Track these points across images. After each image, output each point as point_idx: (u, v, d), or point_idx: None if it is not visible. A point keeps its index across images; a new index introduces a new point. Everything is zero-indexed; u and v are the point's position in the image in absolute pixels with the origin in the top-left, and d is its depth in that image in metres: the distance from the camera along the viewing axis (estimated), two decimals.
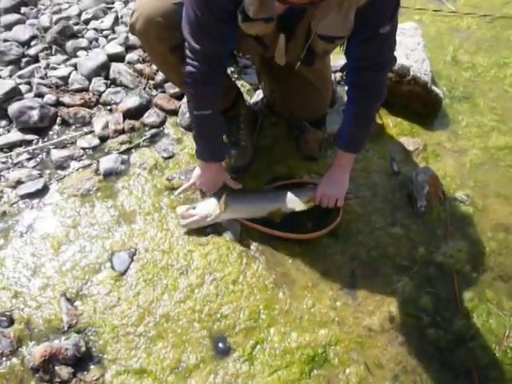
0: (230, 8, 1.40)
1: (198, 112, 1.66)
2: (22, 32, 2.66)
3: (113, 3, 3.01)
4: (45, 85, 2.37)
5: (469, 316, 1.63)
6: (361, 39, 1.49)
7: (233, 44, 1.57)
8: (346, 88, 1.72)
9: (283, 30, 1.55)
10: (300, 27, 1.54)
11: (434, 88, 2.28)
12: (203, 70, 1.54)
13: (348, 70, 1.67)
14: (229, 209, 1.80)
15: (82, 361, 1.49)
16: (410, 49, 2.33)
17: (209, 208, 1.81)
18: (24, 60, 2.52)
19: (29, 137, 2.17)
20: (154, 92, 2.43)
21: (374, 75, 1.60)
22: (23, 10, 2.87)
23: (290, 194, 1.84)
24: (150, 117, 2.28)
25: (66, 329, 1.56)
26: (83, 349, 1.50)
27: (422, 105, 2.32)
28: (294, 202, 1.83)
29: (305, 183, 1.97)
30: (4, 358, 1.49)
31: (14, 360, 1.49)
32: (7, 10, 2.83)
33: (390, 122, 2.30)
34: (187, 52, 1.53)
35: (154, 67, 2.48)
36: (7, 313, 1.59)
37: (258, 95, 2.34)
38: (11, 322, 1.57)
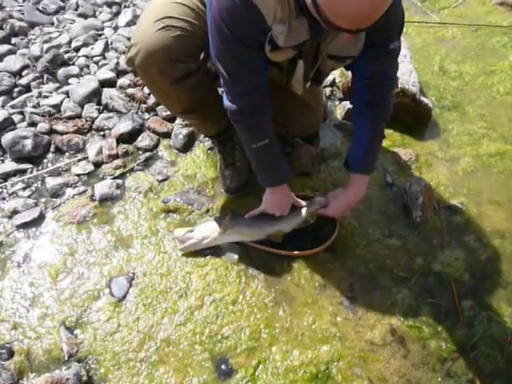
0: (260, 38, 1.40)
1: (255, 145, 1.61)
2: (13, 62, 2.68)
3: (102, 30, 3.05)
4: (37, 113, 2.39)
5: (470, 325, 1.64)
6: (371, 56, 1.49)
7: (268, 71, 1.54)
8: (354, 106, 1.71)
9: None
10: (308, 48, 1.54)
11: (422, 99, 2.31)
12: (248, 103, 1.53)
13: (358, 88, 1.65)
14: (229, 231, 1.80)
15: None
16: None
17: (207, 231, 1.81)
18: (16, 90, 2.54)
19: (23, 166, 2.18)
20: (147, 115, 2.45)
21: (386, 91, 1.62)
22: (14, 40, 2.90)
23: (289, 215, 1.84)
24: (144, 140, 2.29)
25: (66, 358, 1.55)
26: (85, 378, 1.49)
27: (412, 116, 2.35)
28: (293, 221, 1.84)
29: (306, 196, 1.97)
30: None
31: None
32: None
33: None
34: (226, 89, 1.52)
35: (146, 91, 2.51)
36: (7, 345, 1.58)
37: None
38: (11, 354, 1.56)
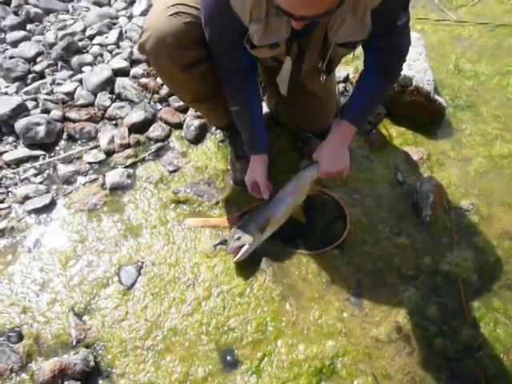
0: (238, 38, 1.46)
1: (230, 107, 1.74)
2: (28, 49, 2.70)
3: (117, 18, 3.05)
4: (51, 101, 2.41)
5: (476, 325, 1.63)
6: (380, 34, 1.48)
7: (252, 59, 1.61)
8: (365, 67, 1.70)
9: (298, 44, 1.56)
10: (314, 37, 1.55)
11: (436, 97, 2.29)
12: (224, 77, 1.66)
13: (370, 57, 1.66)
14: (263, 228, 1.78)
15: (90, 375, 1.50)
16: (413, 59, 2.34)
17: (249, 233, 1.75)
18: (30, 76, 2.56)
19: (35, 152, 2.20)
20: (159, 106, 2.46)
21: (397, 58, 1.64)
22: (29, 26, 2.92)
23: (294, 186, 1.81)
24: (155, 131, 2.30)
25: (74, 344, 1.57)
26: (92, 363, 1.51)
27: (426, 114, 2.33)
28: (303, 190, 1.82)
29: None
30: (13, 374, 1.50)
31: (24, 375, 1.50)
32: (13, 27, 2.88)
33: (394, 132, 2.31)
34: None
35: (159, 81, 2.51)
36: (16, 328, 1.61)
37: (264, 107, 2.35)
38: (20, 337, 1.59)
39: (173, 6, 1.51)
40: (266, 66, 1.81)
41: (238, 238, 1.74)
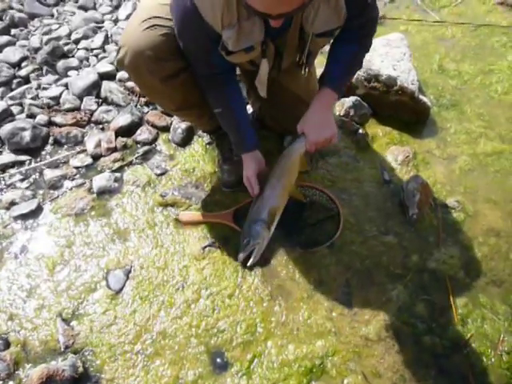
0: (212, 45, 1.48)
1: (214, 109, 1.72)
2: (13, 53, 2.68)
3: (103, 22, 3.04)
4: (36, 105, 2.39)
5: (464, 322, 1.65)
6: (354, 15, 1.49)
7: (229, 64, 1.60)
8: (338, 37, 1.66)
9: (274, 45, 1.57)
10: (290, 35, 1.56)
11: (421, 97, 2.32)
12: (203, 83, 1.66)
13: (345, 30, 1.62)
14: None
15: (79, 381, 1.49)
16: (397, 59, 2.36)
17: (260, 234, 1.67)
18: (15, 81, 2.54)
19: (21, 158, 2.19)
20: (146, 109, 2.45)
21: (371, 29, 1.65)
22: (13, 31, 2.89)
23: (284, 166, 1.76)
24: (142, 134, 2.29)
25: (62, 350, 1.56)
26: (80, 369, 1.50)
27: (411, 114, 2.35)
28: (294, 168, 1.77)
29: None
30: (1, 382, 1.48)
31: (11, 383, 1.48)
32: None
33: (380, 132, 2.33)
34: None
35: None
36: (3, 335, 1.59)
37: (249, 109, 2.36)
38: (7, 344, 1.57)
39: (147, 19, 1.51)
40: (245, 69, 1.82)
41: (248, 243, 1.65)
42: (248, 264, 1.65)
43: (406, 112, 2.34)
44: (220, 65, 1.58)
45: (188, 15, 1.40)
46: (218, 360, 1.55)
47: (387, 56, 2.38)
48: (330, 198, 1.96)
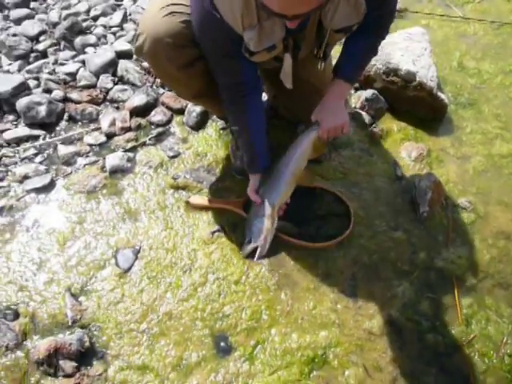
0: (234, 48, 1.46)
1: (231, 126, 1.74)
2: (31, 27, 2.68)
3: (122, 0, 3.02)
4: (53, 80, 2.39)
5: (468, 322, 1.65)
6: (372, 8, 1.48)
7: (253, 70, 1.61)
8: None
9: (293, 39, 1.55)
10: (308, 30, 1.55)
11: (439, 94, 2.29)
12: (226, 95, 1.66)
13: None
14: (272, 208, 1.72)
15: (85, 356, 1.52)
16: (417, 54, 2.34)
17: (268, 217, 1.71)
18: (33, 55, 2.55)
19: (36, 132, 2.20)
20: (161, 90, 2.45)
21: (388, 21, 1.66)
22: (33, 4, 2.89)
23: (295, 153, 1.77)
24: (157, 115, 2.29)
25: (70, 324, 1.58)
26: (87, 344, 1.52)
27: (428, 110, 2.33)
28: (305, 157, 1.79)
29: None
30: (9, 351, 1.51)
31: (19, 353, 1.52)
32: (17, 5, 2.86)
33: (395, 127, 2.31)
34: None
35: None
36: (13, 306, 1.62)
37: (264, 97, 2.35)
38: (16, 315, 1.60)
39: (166, 6, 1.50)
40: (267, 68, 1.80)
41: (249, 242, 1.71)
42: (254, 260, 1.71)
43: (423, 108, 2.32)
44: (243, 72, 1.57)
45: (208, 19, 1.39)
46: (222, 344, 1.57)
47: (407, 50, 2.35)
48: (339, 199, 1.96)
